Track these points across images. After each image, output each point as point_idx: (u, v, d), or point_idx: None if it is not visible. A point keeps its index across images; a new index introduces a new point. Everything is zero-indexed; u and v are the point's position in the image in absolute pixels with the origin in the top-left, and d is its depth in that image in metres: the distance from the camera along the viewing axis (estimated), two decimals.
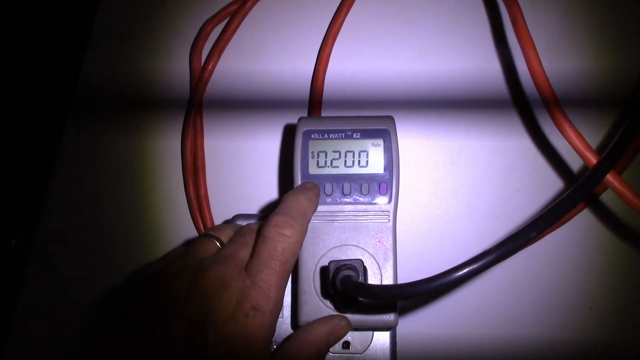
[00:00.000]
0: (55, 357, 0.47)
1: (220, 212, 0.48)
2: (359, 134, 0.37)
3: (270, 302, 0.29)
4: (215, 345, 0.27)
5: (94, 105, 0.53)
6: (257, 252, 0.31)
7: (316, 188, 0.36)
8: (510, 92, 0.47)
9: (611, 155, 0.30)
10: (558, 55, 0.47)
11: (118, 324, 0.30)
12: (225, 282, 0.29)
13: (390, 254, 0.35)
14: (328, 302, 0.35)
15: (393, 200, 0.36)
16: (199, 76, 0.50)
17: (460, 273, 0.26)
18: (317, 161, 0.37)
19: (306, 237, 0.34)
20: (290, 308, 0.37)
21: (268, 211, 0.46)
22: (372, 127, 0.37)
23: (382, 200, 0.36)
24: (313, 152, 0.37)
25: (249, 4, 0.51)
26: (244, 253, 0.32)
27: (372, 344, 0.36)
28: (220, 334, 0.28)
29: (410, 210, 0.46)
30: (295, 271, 0.35)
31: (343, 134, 0.37)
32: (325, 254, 0.35)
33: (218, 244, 0.34)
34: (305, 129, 0.37)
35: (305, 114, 0.49)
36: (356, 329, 0.36)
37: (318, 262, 0.35)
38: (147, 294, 0.31)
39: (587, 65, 0.47)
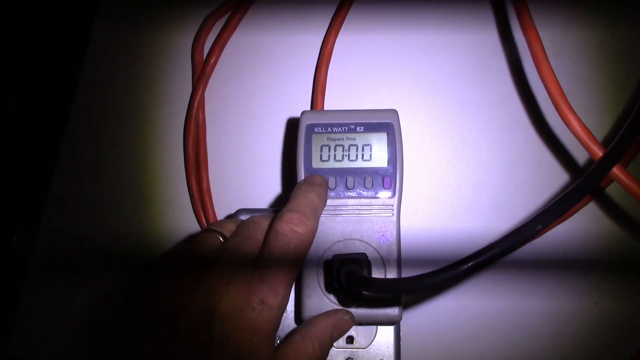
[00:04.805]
0: (58, 354, 0.48)
1: (222, 207, 0.48)
2: (362, 128, 0.37)
3: (278, 297, 0.29)
4: (221, 339, 0.27)
5: (95, 100, 0.53)
6: (269, 247, 0.30)
7: (325, 183, 0.35)
8: (515, 84, 0.47)
9: (617, 148, 0.29)
10: (563, 48, 0.47)
11: (122, 321, 0.30)
12: (231, 276, 0.29)
13: (394, 248, 0.35)
14: (332, 297, 0.35)
15: (397, 194, 0.36)
16: (201, 70, 0.50)
17: (465, 267, 0.26)
18: (321, 155, 0.36)
19: None
20: (293, 302, 0.37)
21: (274, 207, 0.46)
22: (375, 121, 0.37)
23: (385, 194, 0.36)
24: (316, 145, 0.37)
25: None
26: (249, 247, 0.31)
27: (376, 339, 0.36)
28: (226, 328, 0.27)
29: (414, 205, 0.46)
30: None
31: (346, 128, 0.37)
32: (329, 248, 0.35)
33: (221, 238, 0.34)
34: (308, 123, 0.37)
35: (308, 108, 0.48)
36: (360, 324, 0.36)
37: (322, 256, 0.35)
38: (150, 289, 0.31)
39: (592, 58, 0.47)
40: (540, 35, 0.38)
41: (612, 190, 0.44)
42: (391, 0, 0.50)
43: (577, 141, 0.36)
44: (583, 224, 0.44)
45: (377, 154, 0.36)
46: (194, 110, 0.49)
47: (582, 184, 0.27)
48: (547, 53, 0.37)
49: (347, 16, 0.49)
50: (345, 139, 0.37)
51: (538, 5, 0.46)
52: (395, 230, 0.35)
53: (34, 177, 0.54)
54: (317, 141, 0.37)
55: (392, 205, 0.36)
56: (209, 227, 0.35)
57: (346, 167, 0.36)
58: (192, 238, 0.34)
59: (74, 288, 0.49)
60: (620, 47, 0.47)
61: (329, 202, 0.36)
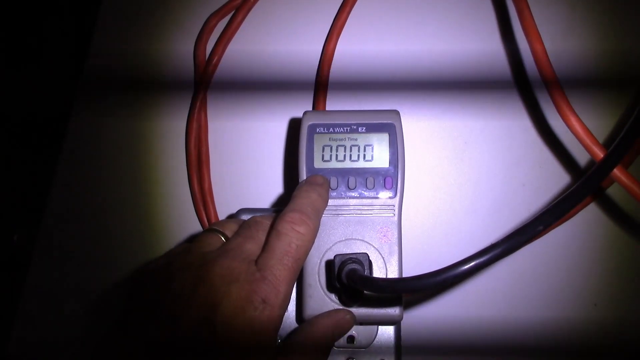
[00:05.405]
0: (59, 353, 0.47)
1: (224, 207, 0.48)
2: (364, 128, 0.37)
3: (279, 296, 0.29)
4: (222, 339, 0.27)
5: (97, 101, 0.52)
6: (270, 247, 0.30)
7: (326, 183, 0.36)
8: (517, 85, 0.47)
9: (619, 149, 0.29)
10: (564, 47, 0.47)
11: (122, 320, 0.30)
12: (232, 275, 0.29)
13: (396, 248, 0.35)
14: (333, 296, 0.35)
15: (398, 194, 0.36)
16: (204, 70, 0.50)
17: (466, 267, 0.26)
18: (322, 155, 0.37)
19: None
20: (295, 302, 0.37)
21: (276, 207, 0.46)
22: (377, 121, 0.37)
23: (387, 194, 0.36)
24: (318, 146, 0.37)
25: None
26: (250, 246, 0.31)
27: (376, 338, 0.36)
28: (228, 327, 0.27)
29: (415, 205, 0.46)
30: None
31: (348, 128, 0.37)
32: (331, 247, 0.35)
33: (223, 238, 0.34)
34: (310, 123, 0.37)
35: (310, 108, 0.48)
36: (361, 324, 0.36)
37: (323, 256, 0.35)
38: (151, 289, 0.31)
39: (593, 57, 0.47)
40: (542, 36, 0.38)
41: (613, 191, 0.44)
42: (393, 1, 0.50)
43: (578, 142, 0.36)
44: (584, 225, 0.44)
45: (379, 155, 0.36)
46: (196, 110, 0.49)
47: (583, 185, 0.27)
48: (547, 50, 0.37)
49: (349, 16, 0.50)
50: (347, 139, 0.37)
51: (540, 6, 0.46)
52: (396, 230, 0.35)
53: (34, 176, 0.54)
54: (319, 141, 0.37)
55: (394, 206, 0.36)
56: (211, 226, 0.35)
57: (348, 167, 0.36)
58: (193, 238, 0.34)
59: (74, 288, 0.49)
60: (621, 48, 0.47)
61: (330, 202, 0.36)
